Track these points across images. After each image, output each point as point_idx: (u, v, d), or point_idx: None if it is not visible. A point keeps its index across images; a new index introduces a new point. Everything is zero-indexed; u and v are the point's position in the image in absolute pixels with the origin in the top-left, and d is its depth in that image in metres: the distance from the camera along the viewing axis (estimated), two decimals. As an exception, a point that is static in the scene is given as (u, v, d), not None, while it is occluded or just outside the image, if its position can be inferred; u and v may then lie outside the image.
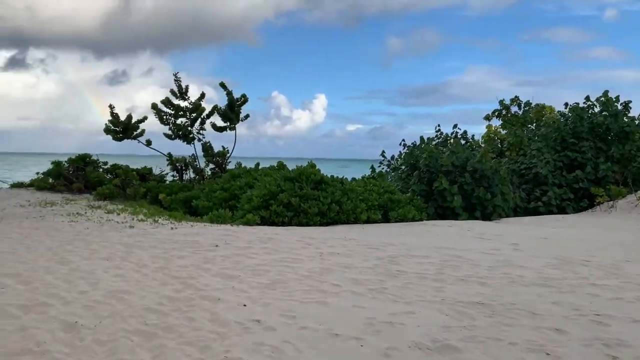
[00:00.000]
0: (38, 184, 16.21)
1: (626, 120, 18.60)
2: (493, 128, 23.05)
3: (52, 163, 16.94)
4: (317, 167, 12.50)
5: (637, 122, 18.96)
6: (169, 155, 17.56)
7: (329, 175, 12.79)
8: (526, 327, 4.68)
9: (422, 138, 17.93)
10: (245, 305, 5.00)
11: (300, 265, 6.73)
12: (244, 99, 17.51)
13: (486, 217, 14.58)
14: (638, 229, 11.89)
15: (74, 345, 3.90)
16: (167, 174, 18.16)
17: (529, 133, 20.98)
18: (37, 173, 17.09)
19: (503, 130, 22.70)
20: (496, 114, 22.14)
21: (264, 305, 5.03)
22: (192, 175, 17.77)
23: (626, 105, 19.34)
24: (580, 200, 16.98)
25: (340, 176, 13.49)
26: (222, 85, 17.47)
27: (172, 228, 9.71)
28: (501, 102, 22.22)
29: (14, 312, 4.63)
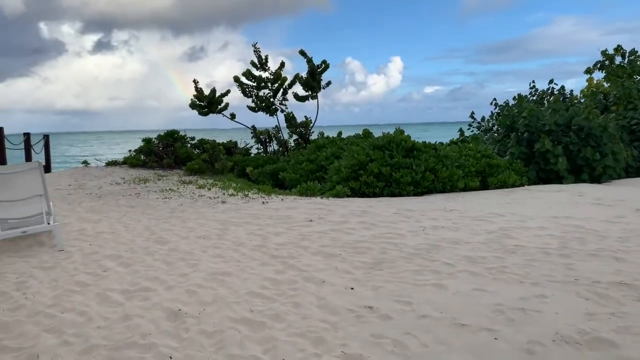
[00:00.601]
0: (131, 161, 16.71)
1: None
2: (594, 81, 21.04)
3: (143, 140, 17.38)
4: (414, 136, 11.80)
5: None
6: (253, 128, 17.49)
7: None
8: (691, 314, 3.91)
9: (519, 96, 16.58)
10: (352, 289, 4.58)
11: (403, 242, 6.21)
12: (324, 66, 16.98)
13: (595, 179, 13.27)
14: None
15: (180, 337, 3.65)
16: (251, 146, 18.16)
17: (637, 84, 18.87)
18: (130, 150, 17.62)
19: (606, 83, 20.66)
20: (598, 65, 20.11)
21: (373, 288, 4.58)
22: (276, 147, 17.64)
23: None
24: None
25: (420, 141, 12.62)
26: (302, 52, 17.02)
27: (263, 202, 9.50)
28: (604, 53, 20.14)
29: (117, 298, 4.49)
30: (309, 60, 16.77)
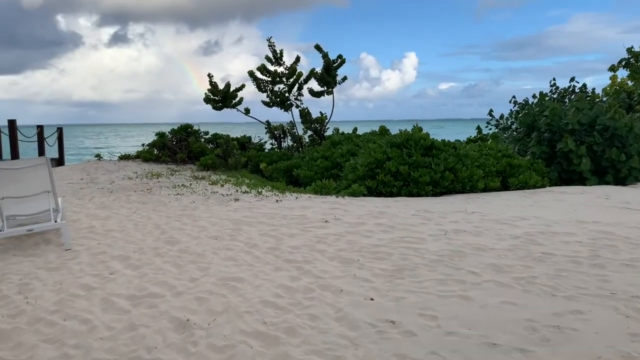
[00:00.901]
0: (144, 156, 16.55)
1: None
2: (618, 79, 20.43)
3: (156, 134, 17.20)
4: (429, 133, 11.44)
5: None
6: (268, 123, 17.24)
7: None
8: None
9: (540, 94, 16.13)
10: (372, 300, 4.29)
11: (424, 247, 5.91)
12: (340, 61, 16.63)
13: (620, 181, 12.80)
14: None
15: (187, 352, 3.39)
16: (265, 142, 17.91)
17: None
18: (143, 145, 17.47)
19: (630, 81, 20.05)
20: (623, 63, 19.51)
21: (394, 300, 4.28)
22: (290, 143, 17.37)
23: None
24: None
25: (436, 138, 12.18)
26: (318, 47, 16.69)
27: (276, 201, 9.24)
28: (629, 50, 19.52)
29: (123, 304, 4.24)
30: (325, 55, 16.44)
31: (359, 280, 4.79)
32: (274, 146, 17.60)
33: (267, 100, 16.81)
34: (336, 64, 16.58)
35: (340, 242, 6.15)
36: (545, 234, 6.55)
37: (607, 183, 12.67)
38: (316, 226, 7.05)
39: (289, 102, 16.75)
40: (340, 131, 16.67)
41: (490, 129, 18.52)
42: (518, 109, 18.47)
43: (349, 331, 3.68)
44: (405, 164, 10.44)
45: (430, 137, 11.39)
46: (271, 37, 16.81)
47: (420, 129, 11.79)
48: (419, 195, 10.21)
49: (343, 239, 6.33)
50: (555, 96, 19.23)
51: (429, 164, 10.44)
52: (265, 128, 17.37)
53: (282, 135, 17.30)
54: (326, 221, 7.35)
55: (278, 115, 17.48)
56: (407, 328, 3.71)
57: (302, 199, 9.59)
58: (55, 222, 6.18)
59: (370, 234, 6.59)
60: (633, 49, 19.24)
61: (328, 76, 16.48)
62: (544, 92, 17.53)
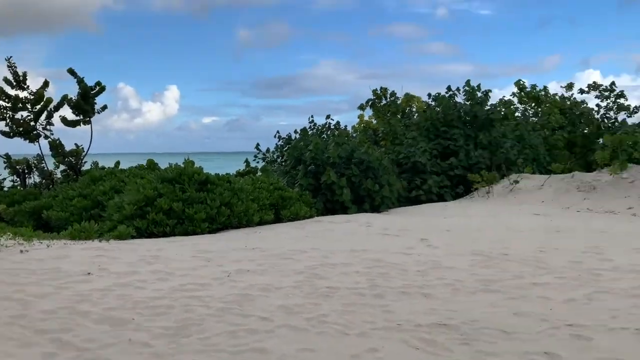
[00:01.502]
0: None
1: (489, 107, 19.54)
2: (365, 118, 23.03)
3: None
4: (197, 165, 10.94)
5: (498, 109, 20.08)
6: (7, 157, 14.65)
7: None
8: (511, 353, 3.93)
9: (304, 129, 17.12)
10: (155, 370, 3.58)
11: (208, 294, 5.36)
12: (99, 88, 15.20)
13: (375, 208, 14.20)
14: (523, 214, 12.23)
15: None
16: (4, 179, 15.20)
17: (397, 122, 21.09)
18: None
19: (374, 120, 22.77)
20: (370, 103, 22.08)
21: (183, 365, 3.64)
22: (38, 180, 15.06)
23: (486, 94, 20.28)
24: (456, 187, 17.40)
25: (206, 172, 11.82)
26: (71, 71, 15.00)
27: (21, 251, 7.61)
28: (374, 92, 22.22)
29: None
30: (81, 81, 14.82)
31: (136, 346, 4.00)
32: (16, 184, 15.03)
33: (7, 129, 14.33)
34: (94, 91, 15.07)
35: (109, 299, 5.20)
36: (325, 266, 6.62)
37: (365, 211, 13.91)
38: (76, 280, 5.90)
39: (35, 132, 14.54)
40: (100, 165, 15.07)
41: (257, 162, 18.98)
42: (282, 143, 19.38)
43: (130, 420, 2.93)
44: (179, 201, 9.76)
45: (205, 172, 10.93)
46: (11, 57, 14.50)
47: (193, 163, 11.25)
48: (194, 233, 9.61)
49: (112, 293, 5.38)
50: (314, 131, 20.70)
51: (204, 199, 9.95)
52: (5, 162, 14.74)
53: (26, 171, 14.90)
54: (89, 273, 6.24)
55: (21, 147, 15.05)
56: (201, 402, 3.13)
57: (55, 246, 8.11)
58: None
59: (145, 284, 5.77)
60: (377, 91, 21.92)
61: (85, 104, 14.86)
62: (302, 127, 18.75)
